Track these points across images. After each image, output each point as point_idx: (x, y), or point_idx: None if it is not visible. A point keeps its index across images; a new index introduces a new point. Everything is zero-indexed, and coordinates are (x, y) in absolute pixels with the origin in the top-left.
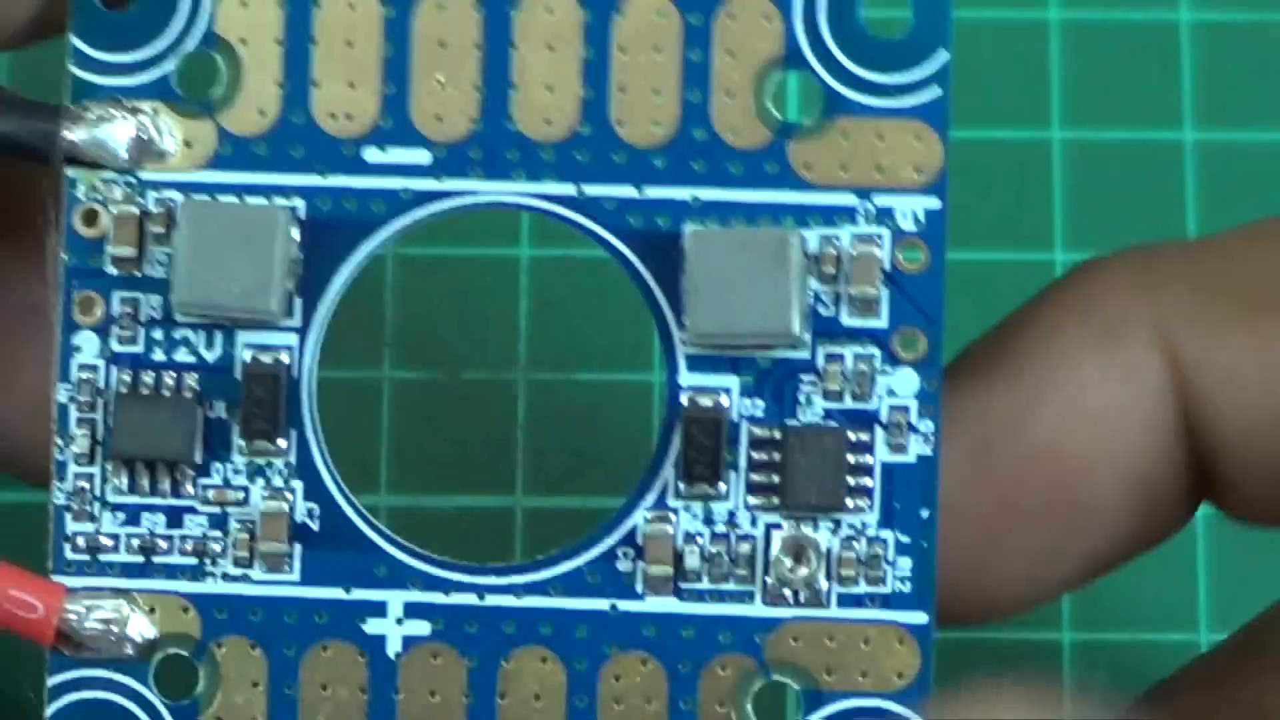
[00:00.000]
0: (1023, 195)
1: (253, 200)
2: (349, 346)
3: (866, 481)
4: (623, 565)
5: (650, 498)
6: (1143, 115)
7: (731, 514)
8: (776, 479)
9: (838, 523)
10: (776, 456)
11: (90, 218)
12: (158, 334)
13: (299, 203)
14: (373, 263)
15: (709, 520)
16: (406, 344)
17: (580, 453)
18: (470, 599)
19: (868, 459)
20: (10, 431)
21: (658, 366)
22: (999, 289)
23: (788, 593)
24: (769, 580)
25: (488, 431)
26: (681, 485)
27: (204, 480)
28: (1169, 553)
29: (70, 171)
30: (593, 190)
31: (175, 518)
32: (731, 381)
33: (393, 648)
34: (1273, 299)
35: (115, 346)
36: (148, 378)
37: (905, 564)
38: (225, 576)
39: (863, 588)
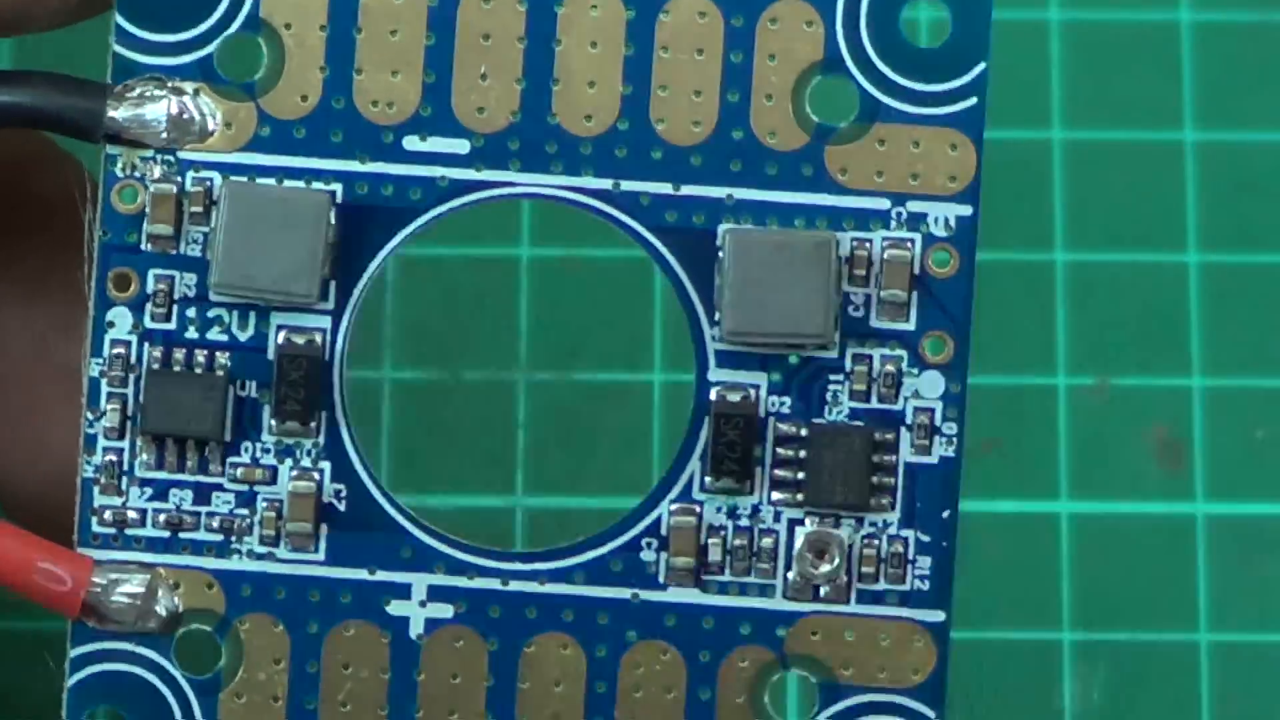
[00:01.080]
0: (1023, 195)
1: (291, 184)
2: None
3: (889, 481)
4: (646, 555)
5: (676, 490)
6: (1143, 115)
7: (756, 508)
8: (801, 476)
9: (860, 520)
10: (802, 454)
11: (128, 195)
12: (191, 312)
13: (336, 187)
14: None
15: (733, 514)
16: (406, 344)
17: (580, 453)
18: (494, 584)
19: (892, 459)
20: (36, 492)
21: (658, 366)
22: (1000, 289)
23: (809, 587)
24: (790, 575)
25: (488, 431)
26: (708, 479)
27: (233, 458)
28: (1169, 552)
29: (110, 149)
30: (630, 185)
31: (203, 495)
32: (760, 378)
33: (415, 629)
34: None
35: (148, 323)
36: (180, 355)
37: (925, 563)
38: (251, 554)
39: (882, 585)
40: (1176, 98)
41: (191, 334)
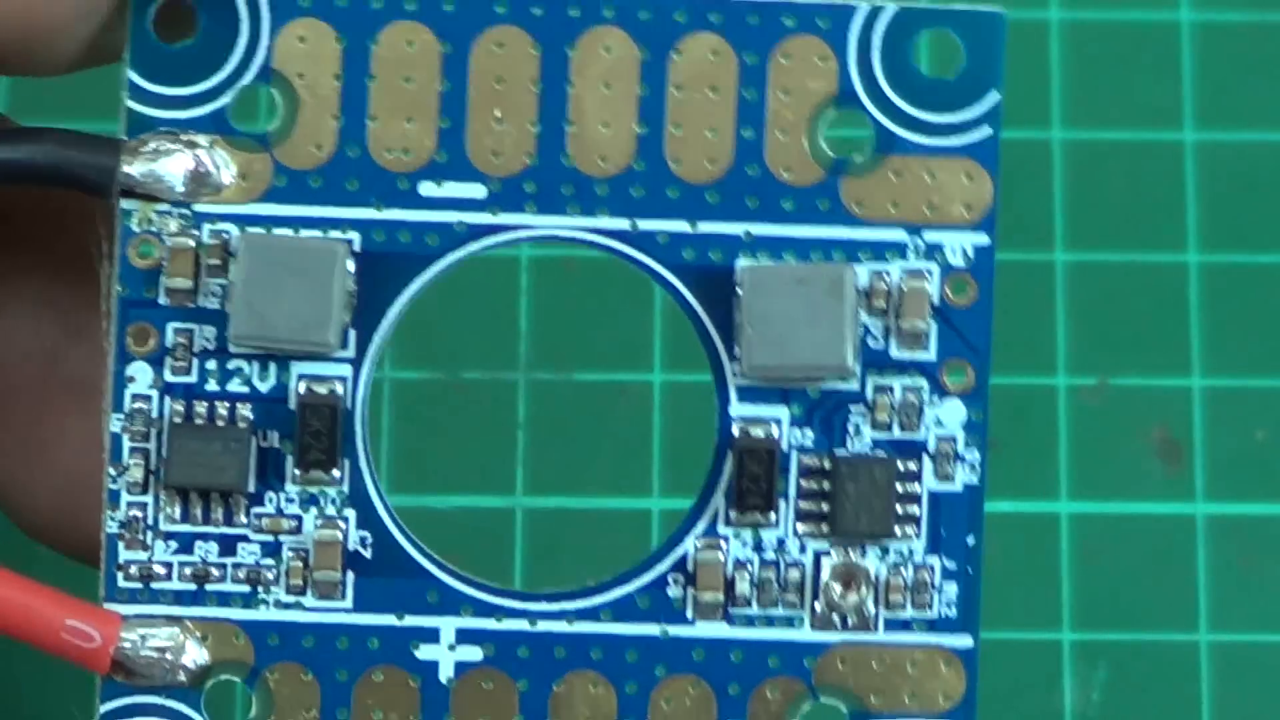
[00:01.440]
0: (1023, 195)
1: (308, 233)
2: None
3: (914, 510)
4: (673, 591)
5: (701, 525)
6: (1143, 115)
7: (781, 541)
8: (825, 507)
9: (886, 549)
10: (826, 485)
11: (145, 249)
12: (211, 364)
13: (354, 236)
14: None
15: (759, 547)
16: (406, 344)
17: (580, 453)
18: (522, 625)
19: (915, 488)
20: (45, 505)
21: (658, 366)
22: (1000, 289)
23: (836, 617)
24: (817, 605)
25: (488, 431)
26: (733, 513)
27: (257, 509)
28: (1169, 552)
29: (125, 204)
30: (646, 225)
31: (228, 546)
32: (782, 412)
33: (445, 673)
34: None
35: (169, 377)
36: (201, 408)
37: (951, 589)
38: (278, 604)
39: (909, 612)
40: (1176, 98)
41: (212, 386)
